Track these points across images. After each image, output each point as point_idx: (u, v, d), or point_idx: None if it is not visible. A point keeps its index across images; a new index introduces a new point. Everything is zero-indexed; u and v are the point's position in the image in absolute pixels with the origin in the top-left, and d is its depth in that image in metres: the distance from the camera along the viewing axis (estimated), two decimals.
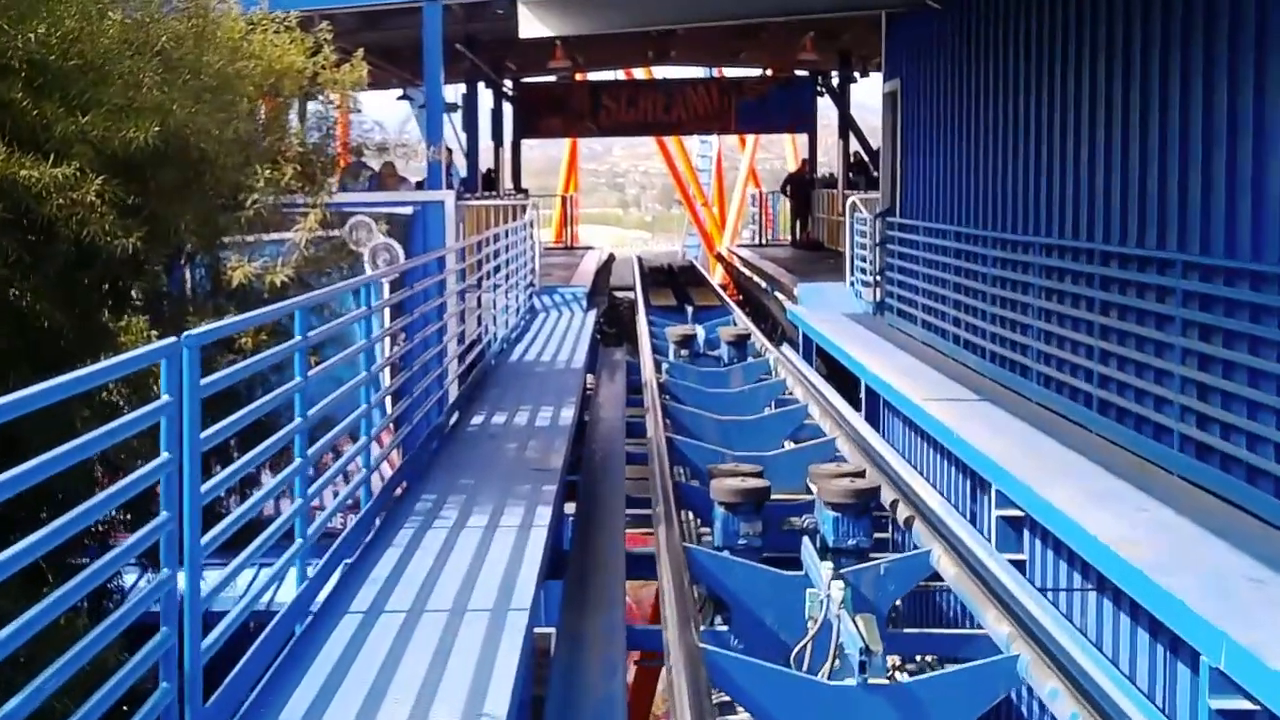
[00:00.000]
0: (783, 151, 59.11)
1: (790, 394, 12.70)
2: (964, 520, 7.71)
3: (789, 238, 31.86)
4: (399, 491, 8.09)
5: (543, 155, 56.95)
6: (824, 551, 7.41)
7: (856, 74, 29.68)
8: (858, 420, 10.87)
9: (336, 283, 8.97)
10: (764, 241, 34.02)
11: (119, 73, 7.80)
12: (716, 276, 34.90)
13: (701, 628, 6.99)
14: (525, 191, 30.13)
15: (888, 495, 8.01)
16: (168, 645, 3.83)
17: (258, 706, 4.58)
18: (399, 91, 30.19)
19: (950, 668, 6.25)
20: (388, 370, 9.90)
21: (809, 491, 10.08)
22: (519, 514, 7.27)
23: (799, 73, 31.78)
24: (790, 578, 6.95)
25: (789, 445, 11.83)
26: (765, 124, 35.34)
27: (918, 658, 7.32)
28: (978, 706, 5.64)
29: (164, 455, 3.79)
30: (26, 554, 3.05)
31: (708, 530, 9.53)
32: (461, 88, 28.10)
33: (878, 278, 16.80)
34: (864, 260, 17.53)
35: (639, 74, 38.47)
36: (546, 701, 5.80)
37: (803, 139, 38.22)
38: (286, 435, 5.48)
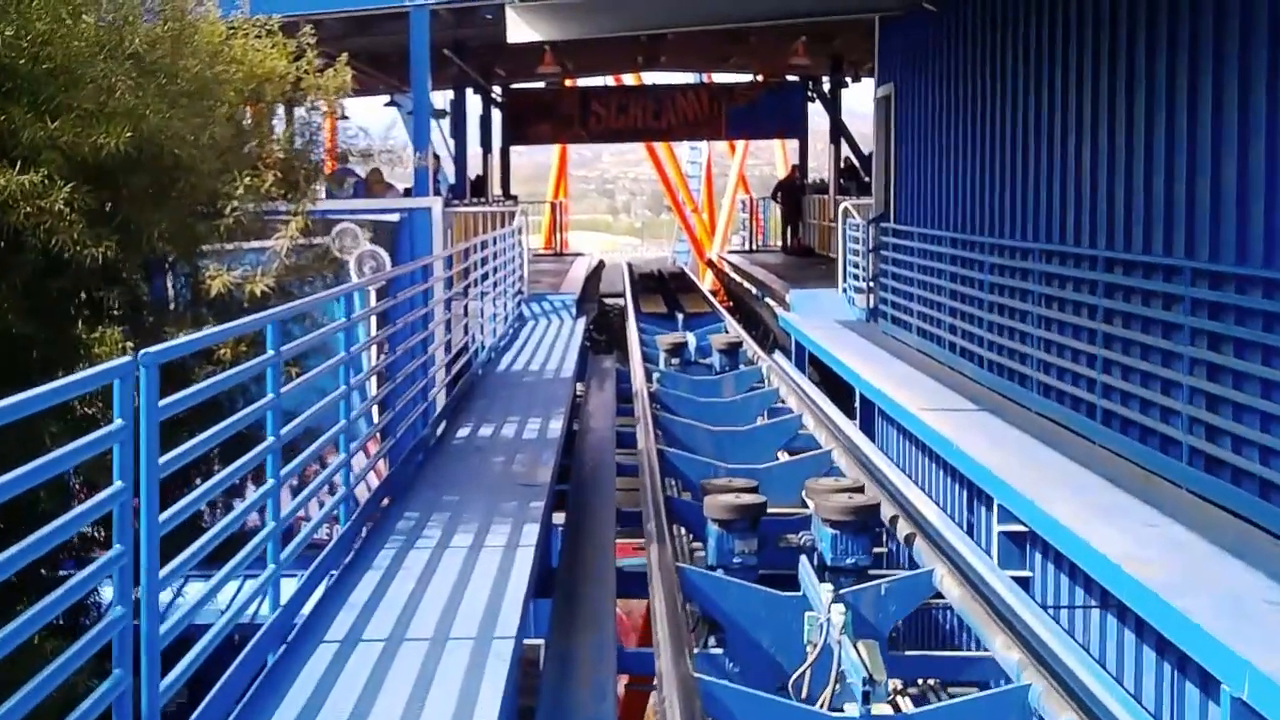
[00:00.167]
0: (772, 158, 58.87)
1: (783, 403, 12.44)
2: (966, 538, 7.46)
3: (779, 243, 31.63)
4: (383, 506, 7.82)
5: (532, 162, 56.68)
6: (822, 570, 7.15)
7: (848, 79, 29.47)
8: (853, 431, 10.61)
9: (320, 291, 8.72)
10: (755, 247, 33.80)
11: (91, 77, 7.55)
12: (706, 282, 34.67)
13: (695, 650, 6.74)
14: (514, 198, 29.89)
15: (887, 511, 7.74)
16: (121, 688, 3.56)
17: None
18: (387, 98, 29.99)
19: (957, 696, 5.99)
20: (374, 380, 9.67)
21: (805, 505, 9.86)
22: (505, 532, 7.00)
23: (789, 78, 31.58)
24: (787, 599, 6.68)
25: (783, 457, 11.57)
26: (755, 130, 35.14)
27: (920, 681, 7.06)
28: None
29: (117, 484, 3.51)
30: None
31: (700, 545, 9.28)
32: (450, 94, 27.88)
33: (871, 284, 16.56)
34: (857, 266, 17.29)
35: (628, 80, 38.24)
36: None
37: (792, 145, 38.03)
38: (259, 455, 5.20)
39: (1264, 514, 6.98)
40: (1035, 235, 10.87)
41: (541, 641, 8.03)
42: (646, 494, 8.47)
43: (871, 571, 7.28)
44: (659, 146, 50.11)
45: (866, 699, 5.27)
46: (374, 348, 9.79)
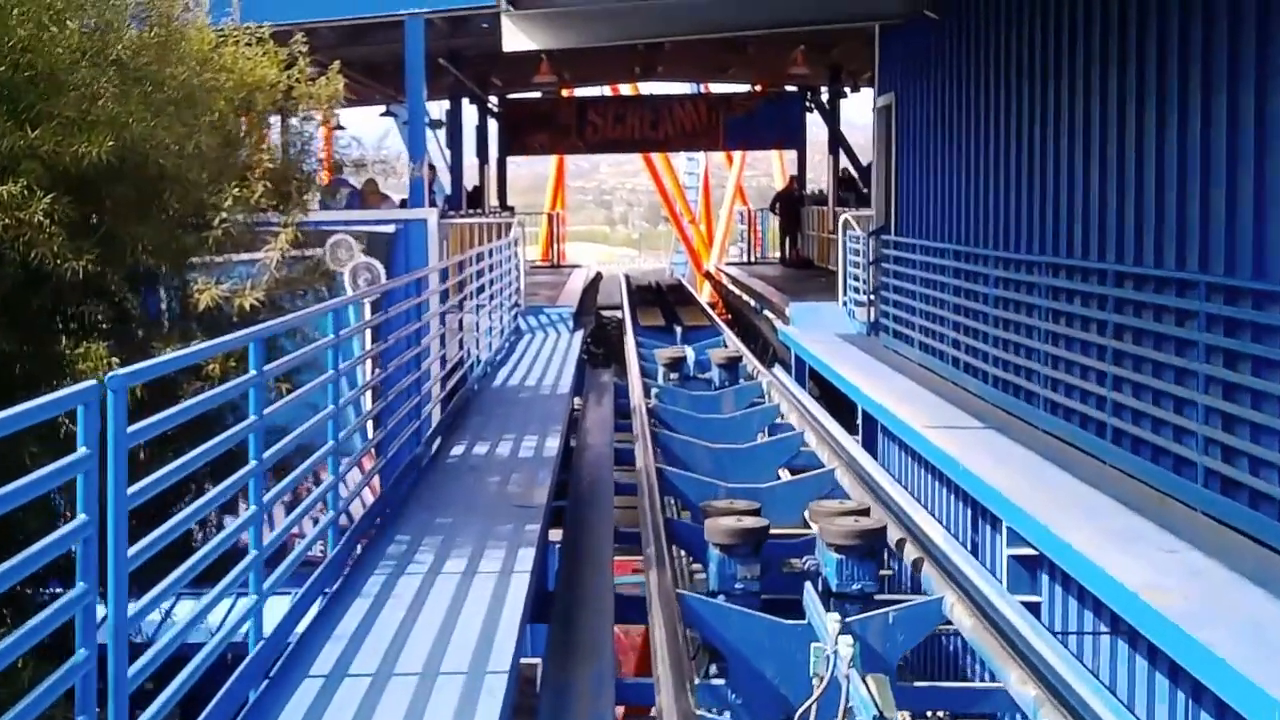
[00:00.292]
0: (769, 169, 58.76)
1: (784, 419, 12.22)
2: (976, 563, 7.21)
3: (778, 255, 31.42)
4: (373, 531, 7.58)
5: (530, 172, 56.63)
6: (826, 596, 6.91)
7: (847, 89, 29.27)
8: (856, 449, 10.36)
9: (312, 305, 8.49)
10: (753, 259, 33.58)
11: (73, 84, 7.33)
12: (704, 294, 34.45)
13: (696, 680, 6.50)
14: (511, 209, 29.67)
15: (894, 534, 7.50)
16: None
17: None
18: (383, 108, 29.78)
19: None
20: (369, 395, 9.43)
21: (807, 526, 9.63)
22: (500, 557, 6.75)
23: (787, 88, 31.39)
24: (792, 627, 6.45)
25: (785, 475, 11.35)
26: (753, 140, 34.93)
27: (929, 714, 6.81)
28: None
29: (80, 518, 3.27)
30: None
31: (700, 567, 9.04)
32: (445, 104, 27.67)
33: (872, 297, 16.33)
34: (857, 279, 17.06)
35: (625, 90, 38.05)
36: None
37: (790, 156, 37.84)
38: (241, 478, 4.96)
39: None
40: (1041, 248, 10.64)
41: (539, 661, 7.81)
42: (646, 515, 8.24)
43: (878, 597, 7.04)
44: (656, 157, 49.99)
45: None
46: (368, 363, 9.57)
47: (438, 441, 10.01)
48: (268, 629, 5.41)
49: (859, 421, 13.32)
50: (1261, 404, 7.13)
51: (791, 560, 7.49)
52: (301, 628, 5.78)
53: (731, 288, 28.95)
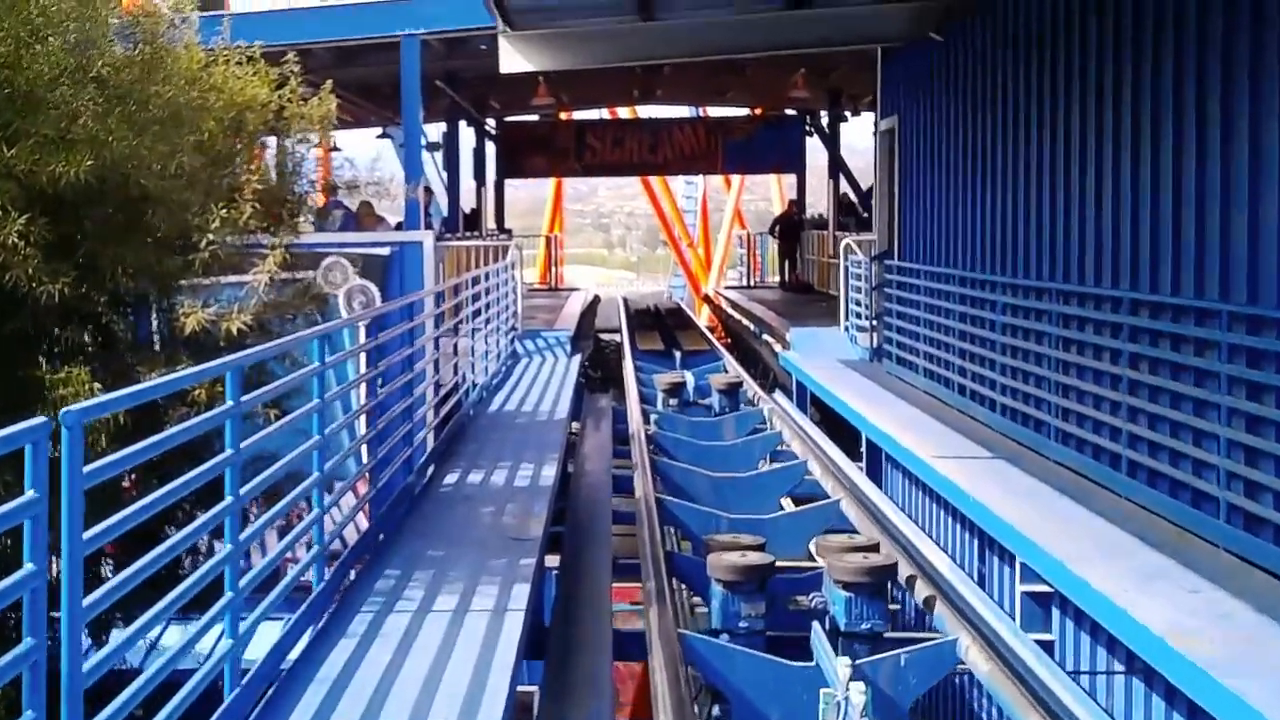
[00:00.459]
0: (768, 193, 58.67)
1: (786, 447, 11.94)
2: (992, 603, 6.92)
3: (777, 279, 31.18)
4: (362, 562, 7.29)
5: (528, 195, 56.50)
6: (834, 636, 6.61)
7: (847, 113, 29.07)
8: (861, 479, 10.06)
9: (303, 329, 8.20)
10: (752, 283, 33.33)
11: (52, 102, 7.07)
12: (702, 318, 34.21)
13: None
14: (509, 232, 29.44)
15: (904, 570, 7.22)
16: None
17: None
18: (379, 130, 29.57)
19: None
20: (361, 421, 9.15)
21: (811, 558, 9.33)
22: (493, 594, 6.45)
23: (787, 112, 31.20)
24: (799, 670, 6.16)
25: (788, 505, 11.07)
26: (753, 164, 34.75)
27: None
28: None
29: (27, 568, 2.98)
30: None
31: (701, 601, 8.74)
32: (443, 126, 27.46)
33: (874, 323, 16.06)
34: (859, 304, 16.79)
35: (623, 113, 37.87)
36: None
37: (788, 180, 37.62)
38: (217, 515, 4.67)
39: None
40: (1051, 274, 10.37)
41: (535, 689, 7.51)
42: (645, 548, 7.94)
43: (888, 635, 6.75)
44: (654, 181, 49.78)
45: None
46: (361, 388, 9.29)
47: (431, 469, 9.72)
48: (256, 656, 5.17)
49: (862, 449, 13.02)
50: None
51: (798, 598, 7.19)
52: (291, 658, 5.50)
53: (730, 311, 28.70)
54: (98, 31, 7.56)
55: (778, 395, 15.64)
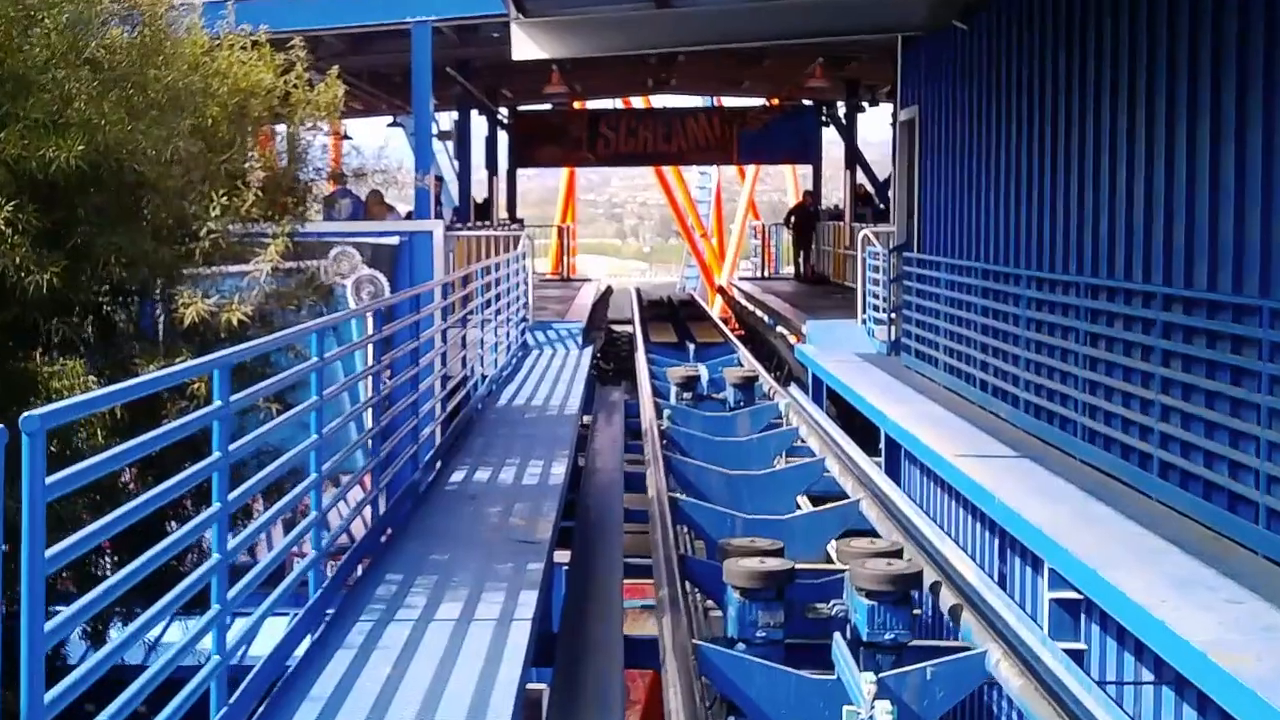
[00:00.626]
0: (782, 184, 58.39)
1: (803, 443, 11.64)
2: (1023, 613, 6.62)
3: (791, 270, 30.89)
4: (363, 565, 7.01)
5: (541, 186, 56.34)
6: (856, 645, 6.32)
7: (864, 103, 28.72)
8: (881, 478, 9.75)
9: (307, 320, 7.94)
10: (766, 275, 33.02)
11: (43, 84, 6.80)
12: (715, 309, 33.91)
13: None
14: (521, 222, 29.17)
15: (928, 576, 6.91)
16: None
17: None
18: (390, 118, 29.31)
19: None
20: (368, 415, 8.87)
21: (829, 560, 9.03)
22: (499, 601, 6.17)
23: (803, 102, 30.88)
24: (820, 683, 5.87)
25: (804, 503, 10.78)
26: (768, 155, 34.43)
27: None
28: None
29: None
30: None
31: (715, 605, 8.45)
32: (455, 115, 27.19)
33: (893, 316, 15.74)
34: (877, 297, 16.46)
35: (637, 103, 37.55)
36: None
37: (803, 171, 37.28)
38: (203, 524, 4.38)
39: None
40: (1079, 268, 10.04)
41: (545, 687, 7.22)
42: (659, 551, 7.65)
43: (914, 643, 6.45)
44: (668, 171, 49.50)
45: None
46: (367, 381, 9.02)
47: (438, 465, 9.44)
48: (259, 653, 4.99)
49: (881, 446, 12.71)
50: None
51: (817, 606, 6.89)
52: (288, 669, 5.23)
53: (744, 303, 28.40)
54: (91, 12, 7.30)
55: (793, 389, 15.33)
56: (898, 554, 6.92)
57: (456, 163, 27.84)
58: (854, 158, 29.18)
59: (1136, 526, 7.62)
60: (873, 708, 5.09)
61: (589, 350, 17.32)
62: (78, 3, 7.25)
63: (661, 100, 34.75)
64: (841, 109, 29.71)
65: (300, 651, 5.52)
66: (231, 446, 4.58)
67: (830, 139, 31.85)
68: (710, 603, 9.17)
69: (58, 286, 6.57)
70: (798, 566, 7.08)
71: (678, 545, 8.03)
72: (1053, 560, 7.44)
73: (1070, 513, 8.02)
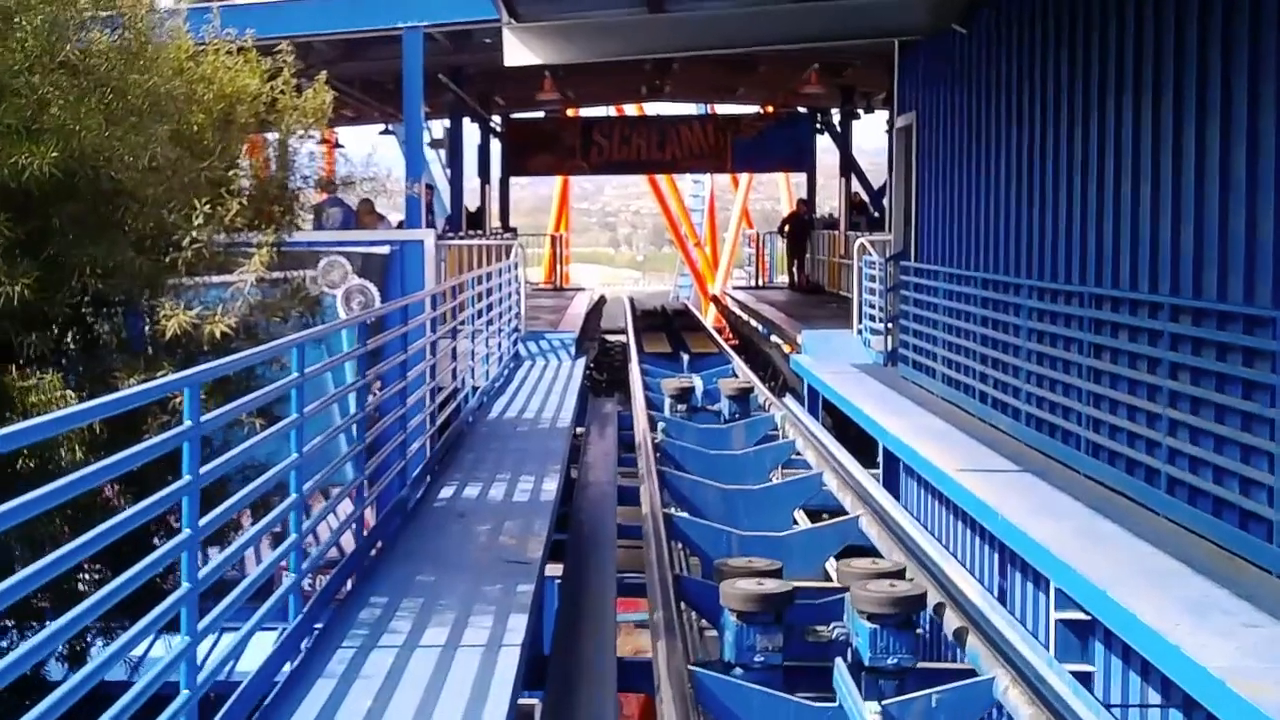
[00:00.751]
0: (775, 192, 58.16)
1: (799, 456, 11.41)
2: (1033, 639, 6.37)
3: (785, 279, 30.70)
4: (346, 588, 6.78)
5: (534, 194, 56.17)
6: (858, 670, 6.09)
7: (859, 110, 28.53)
8: (881, 493, 9.49)
9: (293, 332, 7.71)
10: (760, 284, 32.82)
11: (17, 89, 6.59)
12: (709, 318, 33.70)
13: None
14: (513, 230, 28.96)
15: (932, 597, 6.68)
16: None
17: None
18: (382, 126, 29.09)
19: None
20: (356, 428, 8.65)
21: (828, 578, 8.80)
22: (487, 626, 5.93)
23: (798, 110, 30.69)
24: (821, 711, 5.65)
25: (802, 519, 10.56)
26: (762, 162, 34.22)
27: None
28: None
29: None
30: None
31: (709, 625, 8.22)
32: (447, 122, 26.98)
33: (889, 326, 15.52)
34: (874, 307, 16.25)
35: (631, 111, 37.35)
36: None
37: (797, 179, 37.08)
38: (172, 551, 4.14)
39: None
40: (1083, 278, 9.81)
41: (537, 701, 7.00)
42: (653, 572, 7.42)
43: (920, 665, 6.22)
44: (661, 179, 49.33)
45: None
46: (354, 396, 8.80)
47: (426, 481, 9.20)
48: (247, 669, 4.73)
49: (879, 459, 12.49)
50: None
51: (817, 629, 6.65)
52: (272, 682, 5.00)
53: (739, 312, 28.19)
54: (68, 15, 7.08)
55: (789, 400, 15.11)
56: (900, 575, 6.70)
57: (449, 171, 27.63)
58: (849, 165, 28.99)
59: (1146, 545, 7.40)
60: None
61: (581, 361, 17.10)
62: (55, 5, 7.05)
63: (655, 108, 34.59)
64: (836, 116, 29.52)
65: (281, 677, 5.30)
66: (206, 468, 4.34)
67: (824, 147, 31.69)
68: (706, 623, 8.95)
69: (29, 299, 6.35)
70: (797, 586, 6.85)
71: (672, 565, 7.80)
72: (1059, 580, 7.22)
73: (1076, 530, 7.80)
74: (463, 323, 13.32)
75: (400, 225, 16.65)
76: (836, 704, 5.68)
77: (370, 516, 8.98)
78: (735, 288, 34.82)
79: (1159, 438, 8.12)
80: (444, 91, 23.15)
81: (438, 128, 27.53)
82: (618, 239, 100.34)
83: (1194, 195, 8.03)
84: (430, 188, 21.85)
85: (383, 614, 6.12)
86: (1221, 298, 7.67)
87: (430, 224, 17.31)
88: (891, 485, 11.78)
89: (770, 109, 31.58)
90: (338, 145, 25.09)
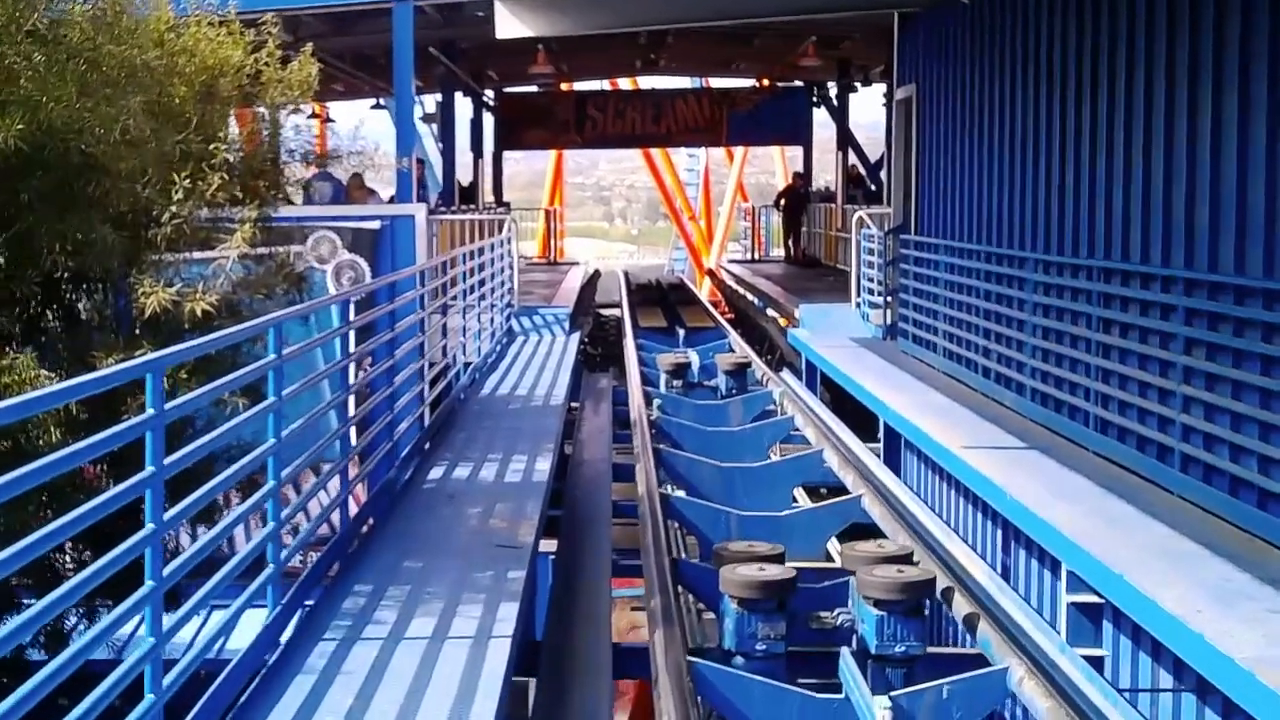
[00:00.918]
0: (770, 166, 57.89)
1: (799, 432, 11.14)
2: (1048, 627, 6.12)
3: (780, 253, 30.44)
4: (331, 574, 6.52)
5: (528, 169, 55.88)
6: (864, 659, 5.84)
7: (856, 83, 28.21)
8: (883, 471, 9.22)
9: (277, 309, 7.44)
10: (756, 257, 32.55)
11: None
12: (704, 292, 33.45)
13: None
14: (507, 205, 28.65)
15: (940, 581, 6.41)
16: None
17: None
18: (373, 101, 28.74)
19: None
20: (344, 407, 8.42)
21: (829, 558, 8.56)
22: (476, 615, 5.68)
23: (794, 83, 30.37)
24: (827, 703, 5.40)
25: (802, 497, 10.31)
26: (757, 136, 33.97)
27: None
28: None
29: None
30: None
31: (708, 608, 7.97)
32: (439, 97, 26.64)
33: (889, 299, 15.26)
34: (872, 280, 15.98)
35: (625, 84, 37.02)
36: None
37: (792, 153, 36.78)
38: (133, 549, 3.87)
39: None
40: (1091, 251, 9.54)
41: (533, 681, 6.75)
42: (649, 556, 7.16)
43: (929, 650, 5.97)
44: (656, 153, 49.01)
45: None
46: (345, 371, 8.54)
47: (415, 462, 8.94)
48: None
49: (879, 434, 12.24)
50: None
51: (821, 615, 6.40)
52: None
53: (734, 286, 27.94)
54: None
55: (787, 375, 14.85)
56: (907, 558, 6.44)
57: (441, 145, 27.31)
58: (845, 139, 28.69)
59: (1162, 526, 7.15)
60: None
61: (576, 336, 16.83)
62: None
63: (650, 81, 34.24)
64: (833, 89, 29.20)
65: (264, 668, 5.05)
66: (172, 457, 4.08)
67: (820, 121, 31.39)
68: (703, 607, 8.70)
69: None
70: (799, 567, 6.60)
71: (670, 547, 7.54)
72: (1072, 563, 6.97)
73: (1088, 510, 7.55)
74: (454, 298, 13.05)
75: (391, 200, 16.36)
76: (843, 695, 5.43)
77: (362, 494, 8.74)
78: (731, 261, 34.57)
79: (1172, 414, 7.87)
80: (436, 65, 22.82)
81: (430, 102, 27.20)
82: (612, 213, 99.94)
83: (1209, 166, 7.75)
84: (422, 162, 21.56)
85: (367, 603, 5.87)
86: (1239, 268, 7.40)
87: (422, 199, 17.03)
88: (892, 462, 11.53)
89: (766, 82, 31.26)
90: (328, 120, 24.77)
